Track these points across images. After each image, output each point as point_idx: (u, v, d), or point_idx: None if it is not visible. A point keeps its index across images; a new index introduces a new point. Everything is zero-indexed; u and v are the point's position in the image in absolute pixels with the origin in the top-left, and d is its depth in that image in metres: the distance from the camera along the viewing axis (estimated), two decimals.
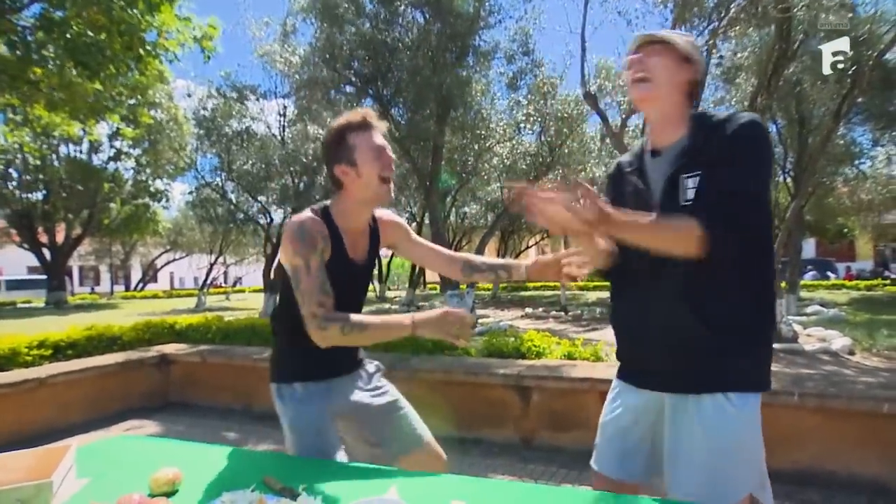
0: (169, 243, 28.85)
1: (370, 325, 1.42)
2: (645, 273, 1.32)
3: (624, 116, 8.54)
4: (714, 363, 1.25)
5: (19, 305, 22.71)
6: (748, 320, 1.26)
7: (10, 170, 19.33)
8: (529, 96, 10.84)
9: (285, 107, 13.06)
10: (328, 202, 1.57)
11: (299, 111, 11.30)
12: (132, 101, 10.20)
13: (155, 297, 27.11)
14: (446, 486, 1.22)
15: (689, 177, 1.26)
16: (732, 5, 6.55)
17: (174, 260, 32.33)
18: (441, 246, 1.83)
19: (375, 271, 20.90)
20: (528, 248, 23.27)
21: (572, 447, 3.32)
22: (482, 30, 9.26)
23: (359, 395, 1.65)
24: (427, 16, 8.94)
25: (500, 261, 1.78)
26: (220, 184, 14.02)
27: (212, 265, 22.25)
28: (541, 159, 11.44)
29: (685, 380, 1.28)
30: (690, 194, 1.25)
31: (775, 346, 3.66)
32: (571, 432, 3.40)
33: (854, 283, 19.89)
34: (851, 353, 6.37)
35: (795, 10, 6.05)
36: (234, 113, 12.66)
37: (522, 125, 11.17)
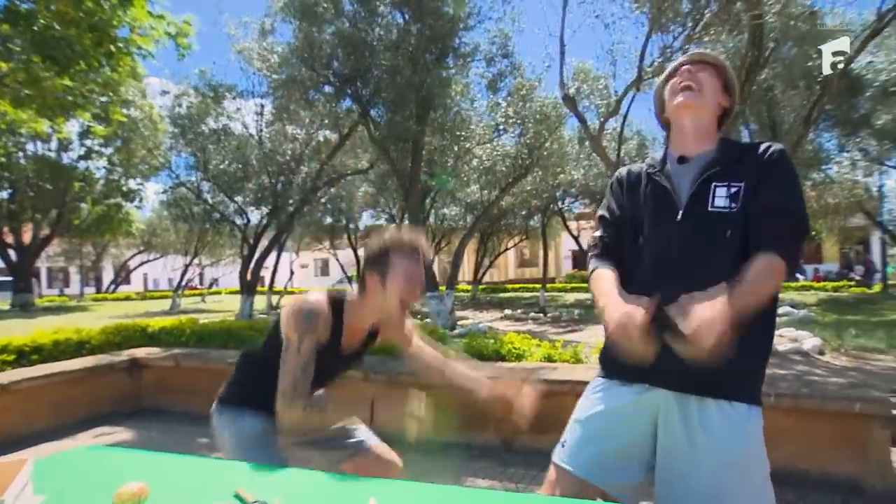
0: (143, 244, 28.19)
1: (330, 416, 1.68)
2: (665, 271, 1.29)
3: (602, 119, 8.62)
4: (728, 372, 1.17)
5: None
6: (757, 335, 1.24)
7: None
8: (509, 98, 10.88)
9: (262, 105, 12.89)
10: (347, 293, 1.64)
11: (277, 111, 11.15)
12: (104, 99, 9.93)
13: (128, 299, 26.43)
14: (427, 496, 1.19)
15: (720, 185, 1.27)
16: (706, 11, 6.67)
17: (148, 261, 31.61)
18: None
19: (354, 272, 20.73)
20: (506, 249, 23.34)
21: (552, 450, 3.31)
22: (462, 31, 9.26)
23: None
24: (407, 16, 8.91)
25: (471, 376, 1.83)
26: (196, 183, 13.76)
27: (187, 266, 21.81)
28: (520, 161, 11.49)
29: (692, 380, 1.21)
30: (720, 202, 1.26)
31: None
32: (551, 435, 3.36)
33: (822, 284, 20.45)
34: (821, 353, 6.51)
35: (767, 17, 6.19)
36: (210, 111, 12.43)
37: (502, 127, 11.21)
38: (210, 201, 13.70)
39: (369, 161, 13.52)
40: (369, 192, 17.13)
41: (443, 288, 9.41)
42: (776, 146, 1.29)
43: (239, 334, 5.27)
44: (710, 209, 1.26)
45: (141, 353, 5.05)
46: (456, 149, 10.76)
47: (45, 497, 1.19)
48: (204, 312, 15.98)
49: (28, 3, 5.31)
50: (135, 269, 34.75)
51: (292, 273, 26.32)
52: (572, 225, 20.19)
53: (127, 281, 36.18)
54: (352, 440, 1.77)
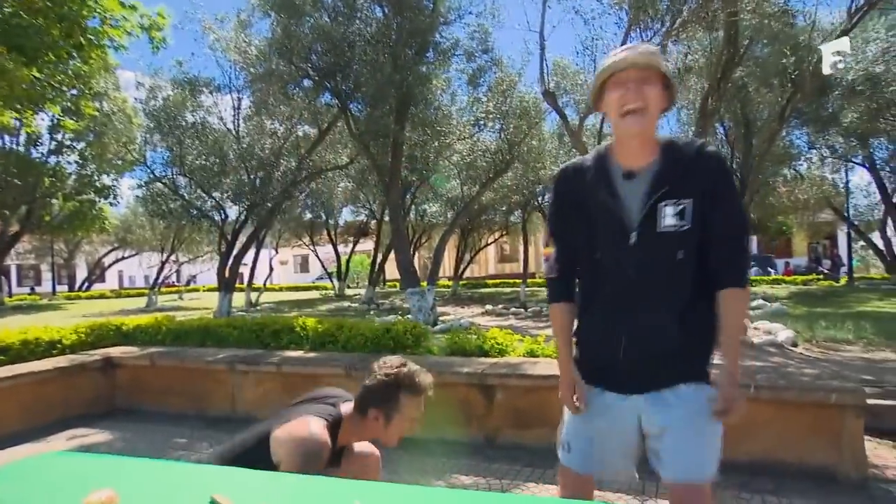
0: (117, 241, 27.48)
1: None
2: (624, 291, 1.39)
3: (582, 115, 8.66)
4: (688, 362, 1.40)
5: None
6: (711, 324, 1.38)
7: None
8: (489, 93, 10.86)
9: (240, 99, 12.65)
10: (342, 413, 1.63)
11: (255, 105, 10.95)
12: (74, 92, 9.63)
13: (102, 297, 25.77)
14: (411, 498, 1.17)
15: (668, 203, 1.32)
16: (684, 8, 6.74)
17: (123, 258, 30.89)
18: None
19: (334, 268, 20.58)
20: (487, 244, 23.38)
21: (536, 445, 3.33)
22: (442, 26, 9.19)
23: None
24: (386, 10, 8.82)
25: None
26: (172, 178, 13.45)
27: (163, 263, 21.36)
28: (500, 156, 11.48)
29: (664, 377, 1.39)
30: (669, 220, 1.32)
31: None
32: (535, 430, 3.41)
33: (792, 277, 20.95)
34: (795, 344, 6.66)
35: (742, 14, 6.28)
36: (187, 104, 12.15)
37: (482, 122, 11.18)
38: (187, 197, 13.41)
39: (349, 156, 13.38)
40: (349, 188, 16.97)
41: (424, 283, 9.36)
42: (714, 153, 1.37)
43: (217, 332, 5.17)
44: (658, 230, 1.32)
45: (115, 352, 4.92)
46: (436, 144, 10.70)
47: None
48: (181, 310, 15.67)
49: None
50: (109, 266, 33.94)
51: (272, 269, 26.01)
52: None
53: (101, 279, 35.35)
54: None
